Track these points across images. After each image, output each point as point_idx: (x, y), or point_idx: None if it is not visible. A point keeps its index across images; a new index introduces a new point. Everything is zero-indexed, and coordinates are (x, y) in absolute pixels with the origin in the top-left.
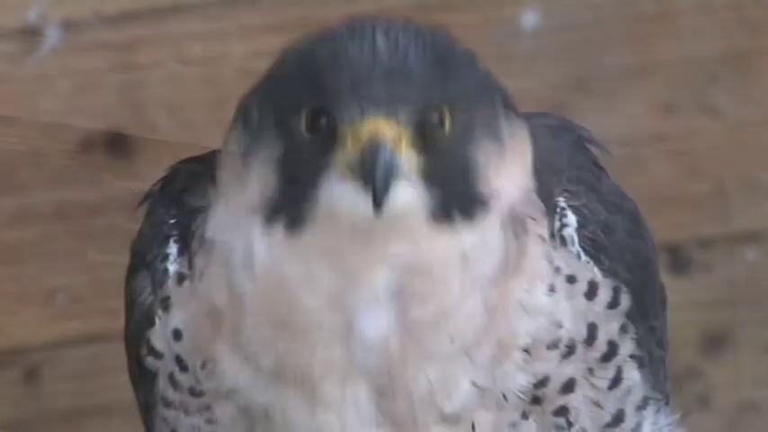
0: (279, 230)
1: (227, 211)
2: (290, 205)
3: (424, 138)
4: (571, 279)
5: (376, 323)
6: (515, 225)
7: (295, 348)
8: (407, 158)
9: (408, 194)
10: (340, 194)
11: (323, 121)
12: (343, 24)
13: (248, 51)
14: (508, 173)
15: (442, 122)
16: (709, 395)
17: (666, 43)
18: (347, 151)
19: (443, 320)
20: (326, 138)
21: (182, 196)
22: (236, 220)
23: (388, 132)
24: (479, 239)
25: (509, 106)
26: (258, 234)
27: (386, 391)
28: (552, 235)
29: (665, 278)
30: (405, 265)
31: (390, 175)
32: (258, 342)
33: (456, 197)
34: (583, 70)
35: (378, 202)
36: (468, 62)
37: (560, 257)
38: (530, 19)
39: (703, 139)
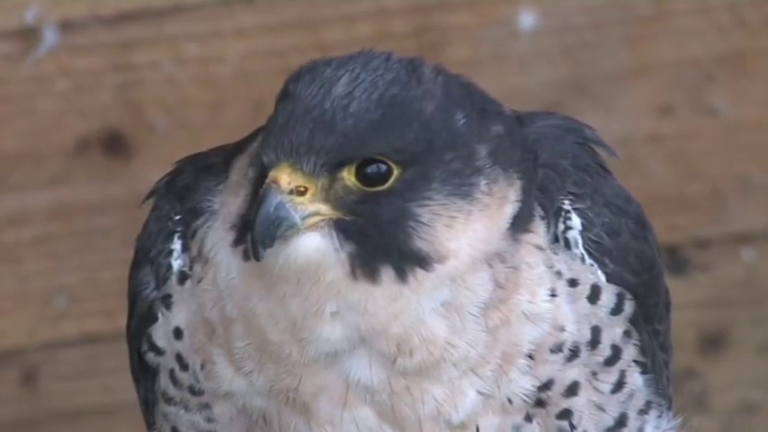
0: (239, 255)
1: (220, 227)
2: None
3: (345, 190)
4: (573, 282)
5: (367, 370)
6: (500, 253)
7: (283, 373)
8: (311, 209)
9: (312, 245)
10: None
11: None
12: (322, 62)
13: (245, 52)
14: (469, 231)
15: (383, 175)
16: (707, 396)
17: (663, 44)
18: None
19: (441, 359)
20: (261, 176)
21: (187, 193)
22: (222, 237)
23: (285, 181)
24: (447, 291)
25: (500, 158)
26: (230, 255)
27: (389, 415)
28: (556, 238)
29: None
30: (361, 327)
31: (272, 224)
32: (249, 362)
33: (383, 254)
34: (580, 71)
35: (254, 250)
36: (445, 114)
37: (561, 261)
38: (527, 20)
39: (700, 140)
